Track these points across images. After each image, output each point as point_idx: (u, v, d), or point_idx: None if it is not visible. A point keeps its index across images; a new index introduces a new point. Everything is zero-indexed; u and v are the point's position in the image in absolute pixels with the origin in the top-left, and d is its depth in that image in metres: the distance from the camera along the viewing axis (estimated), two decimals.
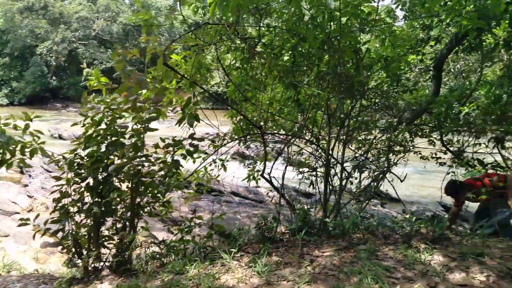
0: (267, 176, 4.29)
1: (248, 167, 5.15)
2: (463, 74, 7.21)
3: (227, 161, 4.74)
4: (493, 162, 4.81)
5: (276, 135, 4.87)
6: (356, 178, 7.89)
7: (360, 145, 5.81)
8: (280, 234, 3.75)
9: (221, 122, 4.58)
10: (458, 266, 2.50)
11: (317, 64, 3.73)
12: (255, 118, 4.60)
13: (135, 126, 3.51)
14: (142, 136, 3.56)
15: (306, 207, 4.10)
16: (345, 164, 5.53)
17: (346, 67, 3.92)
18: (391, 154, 6.35)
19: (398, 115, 6.14)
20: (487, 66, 6.65)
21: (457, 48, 5.09)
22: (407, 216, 10.05)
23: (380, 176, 6.54)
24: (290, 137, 4.58)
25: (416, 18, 4.80)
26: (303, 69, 4.07)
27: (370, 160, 6.82)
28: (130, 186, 3.64)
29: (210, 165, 4.61)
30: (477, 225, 3.88)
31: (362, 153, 6.29)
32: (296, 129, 4.86)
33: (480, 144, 4.88)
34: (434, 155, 6.27)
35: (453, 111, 4.83)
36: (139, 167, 3.57)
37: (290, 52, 3.97)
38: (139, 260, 3.78)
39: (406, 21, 5.50)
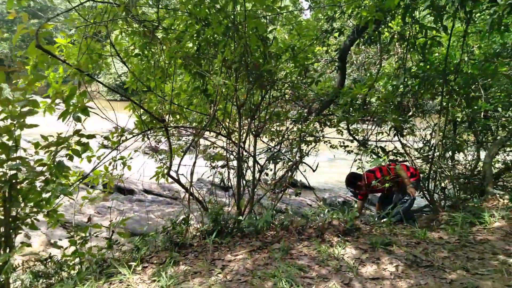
0: (174, 174, 3.92)
1: (161, 162, 4.73)
2: (365, 66, 7.66)
3: (131, 158, 4.23)
4: (394, 149, 5.13)
5: (182, 128, 4.50)
6: (271, 170, 7.93)
7: (273, 136, 5.75)
8: (190, 238, 3.43)
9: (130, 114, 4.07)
10: (369, 258, 2.48)
11: (222, 51, 3.45)
12: (160, 110, 4.17)
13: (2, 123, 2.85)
14: (15, 134, 2.92)
15: (219, 204, 3.85)
16: (260, 156, 5.44)
17: (253, 56, 3.72)
18: (303, 145, 6.45)
19: (307, 106, 6.23)
20: (385, 59, 7.14)
21: (358, 40, 5.28)
22: (320, 202, 10.38)
23: (294, 166, 6.61)
24: (199, 130, 4.25)
25: (320, 7, 4.83)
26: (209, 57, 3.76)
27: (284, 151, 6.86)
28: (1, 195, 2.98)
29: (111, 164, 4.07)
30: (383, 213, 4.05)
31: (275, 144, 6.27)
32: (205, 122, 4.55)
33: (382, 133, 5.16)
34: (342, 144, 6.55)
35: (357, 102, 5.01)
36: (13, 172, 2.94)
37: (194, 38, 3.62)
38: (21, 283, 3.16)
39: (311, 11, 5.55)
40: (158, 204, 8.66)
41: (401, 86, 4.84)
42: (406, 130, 5.16)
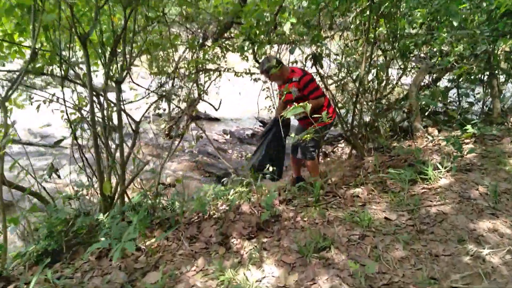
0: None
1: None
2: None
3: None
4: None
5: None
6: (164, 110, 6.48)
7: (157, 69, 4.28)
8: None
9: None
10: (299, 283, 1.50)
11: None
12: None
13: None
14: None
15: (64, 195, 2.48)
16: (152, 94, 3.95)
17: None
18: (204, 77, 5.12)
19: (202, 29, 4.76)
20: None
21: None
22: (227, 136, 9.33)
23: (191, 106, 5.33)
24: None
25: None
26: None
27: (177, 87, 5.47)
28: None
29: None
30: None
31: (165, 79, 4.82)
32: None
33: (296, 61, 4.09)
34: (248, 71, 5.45)
35: (265, 21, 3.73)
36: None
37: None
38: None
39: None
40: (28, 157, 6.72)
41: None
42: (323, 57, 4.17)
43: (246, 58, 5.12)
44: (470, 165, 2.86)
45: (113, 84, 2.64)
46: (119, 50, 2.75)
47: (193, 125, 9.49)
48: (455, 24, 3.27)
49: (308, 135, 2.66)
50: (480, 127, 3.33)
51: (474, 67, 3.80)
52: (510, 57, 3.99)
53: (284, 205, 2.39)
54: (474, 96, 4.36)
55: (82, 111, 2.76)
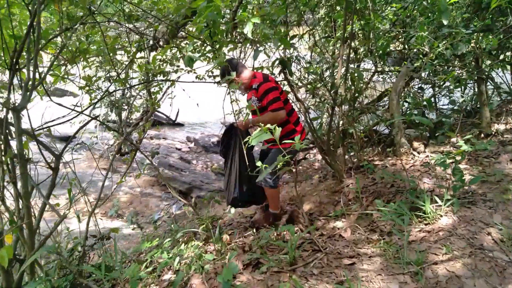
0: None
1: None
2: None
3: None
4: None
5: None
6: (114, 123, 5.71)
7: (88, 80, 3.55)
8: None
9: None
10: None
11: None
12: None
13: None
14: None
15: None
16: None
17: None
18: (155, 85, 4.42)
19: (151, 30, 4.07)
20: None
21: None
22: (191, 144, 8.66)
23: (144, 119, 4.66)
24: None
25: None
26: None
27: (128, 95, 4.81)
28: None
29: None
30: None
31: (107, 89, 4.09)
32: None
33: (262, 67, 3.49)
34: (211, 73, 4.83)
35: (224, 21, 3.10)
36: None
37: None
38: None
39: None
40: None
41: None
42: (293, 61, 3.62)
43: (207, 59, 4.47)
44: (471, 194, 2.38)
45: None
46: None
47: (152, 132, 8.72)
48: (444, 22, 2.78)
49: (278, 162, 2.08)
50: (474, 143, 2.88)
51: (463, 72, 3.37)
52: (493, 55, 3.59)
53: (249, 273, 1.79)
54: (456, 103, 3.94)
55: None
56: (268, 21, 2.84)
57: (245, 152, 2.58)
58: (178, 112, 4.70)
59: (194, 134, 8.73)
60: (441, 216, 2.17)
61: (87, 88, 2.92)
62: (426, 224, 2.17)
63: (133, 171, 6.56)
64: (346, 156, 3.51)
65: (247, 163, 2.67)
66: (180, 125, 9.60)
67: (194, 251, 1.87)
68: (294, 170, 2.08)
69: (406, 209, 2.24)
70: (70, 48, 2.43)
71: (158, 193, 6.47)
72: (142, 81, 4.17)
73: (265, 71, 3.57)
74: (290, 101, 3.03)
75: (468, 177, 2.65)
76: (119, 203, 5.83)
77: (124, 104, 4.84)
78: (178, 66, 4.27)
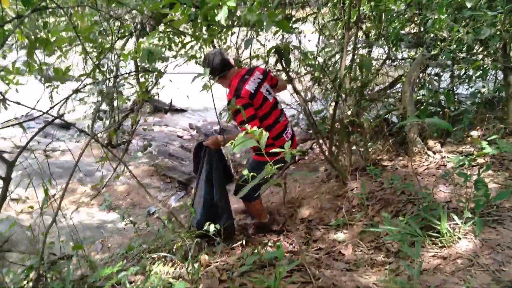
0: None
1: None
2: None
3: None
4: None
5: None
6: (105, 112, 5.45)
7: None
8: None
9: None
10: None
11: None
12: None
13: None
14: None
15: None
16: None
17: None
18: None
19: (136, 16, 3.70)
20: None
21: None
22: (193, 131, 8.35)
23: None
24: None
25: None
26: None
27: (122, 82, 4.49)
28: None
29: None
30: None
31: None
32: None
33: (257, 56, 3.12)
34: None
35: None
36: None
37: None
38: None
39: None
40: None
41: None
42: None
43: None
44: (496, 210, 2.02)
45: None
46: None
47: (156, 119, 8.43)
48: (468, 5, 2.36)
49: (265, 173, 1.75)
50: (499, 144, 2.49)
51: (488, 60, 2.94)
52: None
53: None
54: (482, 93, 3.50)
55: None
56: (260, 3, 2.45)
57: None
58: (171, 102, 4.39)
59: (197, 122, 8.42)
60: (460, 238, 1.83)
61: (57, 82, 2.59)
62: (441, 247, 1.84)
63: (132, 160, 6.32)
64: (352, 156, 3.15)
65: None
66: (183, 111, 9.29)
67: (161, 282, 1.58)
68: (283, 184, 1.75)
69: (417, 228, 1.90)
70: (29, 37, 2.11)
71: (157, 183, 6.23)
72: (129, 72, 3.84)
73: (260, 62, 3.20)
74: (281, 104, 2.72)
75: (492, 186, 2.29)
76: (116, 192, 5.59)
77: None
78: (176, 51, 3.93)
